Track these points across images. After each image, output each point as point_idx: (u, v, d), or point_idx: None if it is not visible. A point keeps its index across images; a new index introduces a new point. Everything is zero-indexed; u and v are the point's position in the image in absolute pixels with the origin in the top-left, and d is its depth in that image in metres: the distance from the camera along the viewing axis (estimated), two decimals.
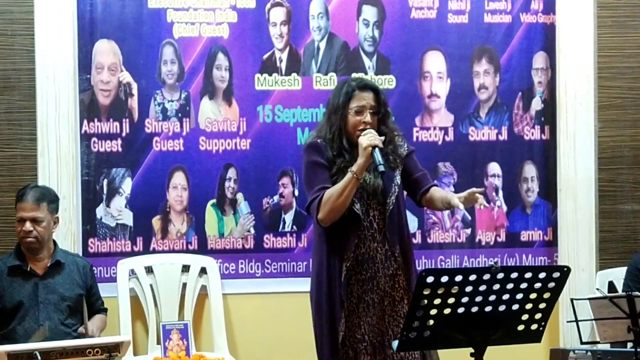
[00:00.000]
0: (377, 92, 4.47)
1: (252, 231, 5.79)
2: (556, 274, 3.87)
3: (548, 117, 5.95)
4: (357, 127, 4.38)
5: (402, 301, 4.48)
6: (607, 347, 4.75)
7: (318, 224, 4.44)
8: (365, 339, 4.43)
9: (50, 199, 5.02)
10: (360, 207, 4.39)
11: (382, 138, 4.33)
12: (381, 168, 4.25)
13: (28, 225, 4.93)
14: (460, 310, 3.82)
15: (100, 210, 5.68)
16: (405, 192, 4.61)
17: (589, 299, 4.59)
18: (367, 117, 4.39)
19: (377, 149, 4.26)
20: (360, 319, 4.43)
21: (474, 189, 4.27)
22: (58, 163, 5.49)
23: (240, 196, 5.78)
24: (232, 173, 5.76)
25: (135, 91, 5.69)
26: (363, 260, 4.42)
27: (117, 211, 5.70)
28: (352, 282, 4.42)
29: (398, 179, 4.48)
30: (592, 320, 4.60)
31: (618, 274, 5.54)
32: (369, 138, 4.28)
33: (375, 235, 4.44)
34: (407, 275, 4.47)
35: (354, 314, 4.44)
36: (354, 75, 5.65)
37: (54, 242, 5.13)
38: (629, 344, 4.54)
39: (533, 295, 3.88)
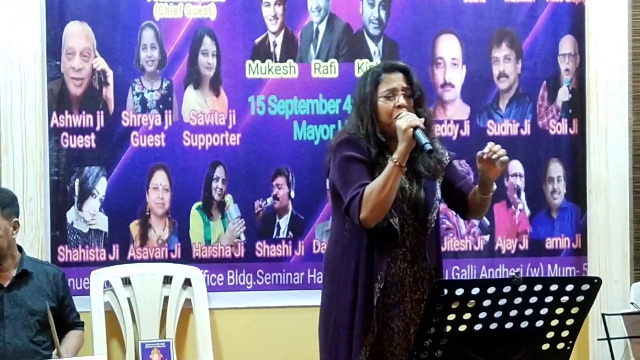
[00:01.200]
0: (407, 72, 4.45)
1: (243, 238, 5.80)
2: (585, 286, 3.86)
3: (576, 109, 5.97)
4: (391, 114, 4.35)
5: None
6: None
7: (351, 227, 4.41)
8: None
9: (3, 202, 4.96)
10: (398, 221, 4.36)
11: (422, 119, 4.28)
12: (428, 147, 4.19)
13: None
14: (478, 327, 3.82)
15: (71, 214, 5.68)
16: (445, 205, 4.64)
17: (623, 314, 4.60)
18: (401, 100, 4.36)
19: (418, 129, 4.21)
20: (383, 347, 4.41)
21: (479, 153, 4.28)
22: (24, 161, 5.51)
23: (229, 198, 5.79)
24: (220, 172, 5.77)
25: (110, 80, 5.70)
26: (392, 282, 4.39)
27: (90, 215, 5.70)
28: (379, 306, 4.38)
29: (439, 193, 4.47)
30: (626, 338, 4.61)
31: None
32: (407, 119, 4.23)
33: (406, 255, 4.41)
34: None
35: (377, 342, 4.41)
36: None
37: (20, 248, 5.09)
38: None
39: (559, 310, 3.88)
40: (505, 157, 4.26)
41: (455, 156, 4.60)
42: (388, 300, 4.39)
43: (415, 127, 4.20)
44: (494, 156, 4.24)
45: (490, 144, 4.29)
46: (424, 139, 4.19)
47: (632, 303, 5.33)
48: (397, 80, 4.41)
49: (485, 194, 4.43)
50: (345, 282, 4.42)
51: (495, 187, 4.43)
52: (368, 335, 4.37)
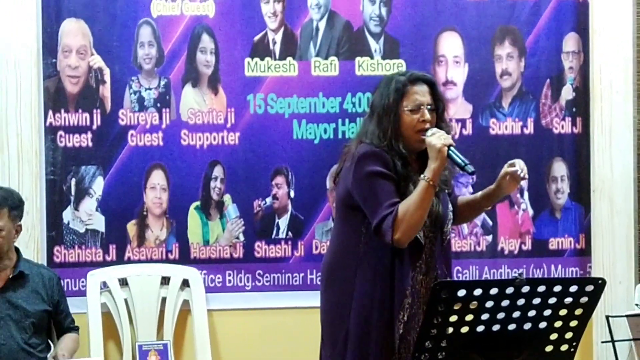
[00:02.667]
0: (432, 84, 4.42)
1: (242, 238, 5.80)
2: (589, 288, 3.84)
3: (580, 107, 5.95)
4: (415, 128, 4.31)
5: None
6: None
7: (363, 244, 4.36)
8: None
9: (12, 204, 4.98)
10: (423, 234, 4.34)
11: (450, 136, 4.27)
12: (470, 168, 4.20)
13: None
14: (480, 328, 3.81)
15: (67, 214, 5.68)
16: None
17: (627, 316, 4.61)
18: (426, 115, 4.32)
19: (452, 149, 4.21)
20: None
21: (506, 169, 4.33)
22: (19, 160, 5.51)
23: (227, 198, 5.79)
24: (218, 171, 5.77)
25: (107, 78, 5.70)
26: (411, 293, 4.37)
27: (86, 215, 5.70)
28: (399, 320, 4.38)
29: (450, 204, 4.46)
30: (630, 340, 4.61)
31: None
32: (440, 137, 4.21)
33: (422, 267, 4.38)
34: None
35: (396, 356, 4.38)
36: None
37: (17, 250, 5.11)
38: None
39: (563, 312, 3.86)
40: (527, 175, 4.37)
41: None
42: (408, 312, 4.36)
43: (450, 146, 4.20)
44: (522, 174, 4.30)
45: (517, 162, 4.34)
46: (461, 159, 4.19)
47: (637, 304, 5.38)
48: (423, 93, 4.36)
49: (489, 206, 4.52)
50: (361, 295, 4.36)
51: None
52: (387, 350, 4.34)
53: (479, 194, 4.51)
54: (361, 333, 4.38)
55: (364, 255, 4.36)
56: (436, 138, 4.21)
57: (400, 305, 4.34)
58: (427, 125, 4.29)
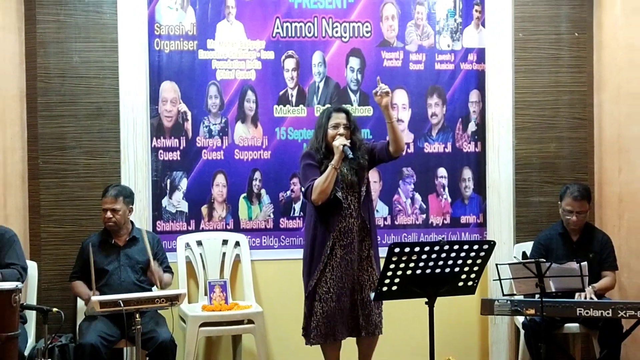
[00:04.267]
0: (347, 113, 4.64)
1: (272, 216, 5.72)
2: (485, 247, 3.97)
3: (480, 135, 5.86)
4: (334, 138, 4.55)
5: (368, 257, 4.61)
6: (521, 297, 4.75)
7: (312, 205, 4.56)
8: (345, 285, 4.55)
9: (125, 195, 4.98)
10: (342, 194, 4.52)
11: (349, 141, 4.50)
12: (350, 155, 4.48)
13: (108, 214, 4.94)
14: (418, 271, 3.91)
15: (165, 201, 5.63)
16: (377, 163, 4.78)
17: (509, 264, 4.59)
18: (341, 130, 4.55)
19: (346, 147, 4.45)
20: (342, 272, 4.56)
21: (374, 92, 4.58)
22: (135, 168, 5.46)
23: (263, 191, 5.72)
24: (257, 175, 5.70)
25: (189, 117, 5.63)
26: (344, 231, 4.56)
27: (176, 202, 5.65)
28: (337, 247, 4.54)
29: (366, 175, 4.61)
30: (510, 279, 4.59)
31: (529, 247, 5.48)
32: (340, 141, 4.49)
33: (352, 213, 4.57)
34: (371, 239, 4.65)
35: (338, 269, 4.55)
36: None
37: (132, 222, 5.10)
38: (537, 295, 4.54)
39: (469, 261, 3.98)
40: (386, 90, 4.55)
41: (369, 142, 4.80)
42: (342, 242, 4.56)
43: (344, 145, 4.46)
44: (384, 90, 4.54)
45: (380, 86, 4.54)
46: (348, 152, 4.45)
47: (514, 257, 5.39)
48: (340, 117, 4.60)
49: (391, 124, 4.56)
50: (313, 235, 4.61)
51: (394, 117, 4.63)
52: (324, 266, 4.56)
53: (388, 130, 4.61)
54: (322, 258, 4.57)
55: (316, 215, 4.61)
56: (337, 141, 4.50)
57: (337, 238, 4.54)
58: (338, 136, 4.53)
